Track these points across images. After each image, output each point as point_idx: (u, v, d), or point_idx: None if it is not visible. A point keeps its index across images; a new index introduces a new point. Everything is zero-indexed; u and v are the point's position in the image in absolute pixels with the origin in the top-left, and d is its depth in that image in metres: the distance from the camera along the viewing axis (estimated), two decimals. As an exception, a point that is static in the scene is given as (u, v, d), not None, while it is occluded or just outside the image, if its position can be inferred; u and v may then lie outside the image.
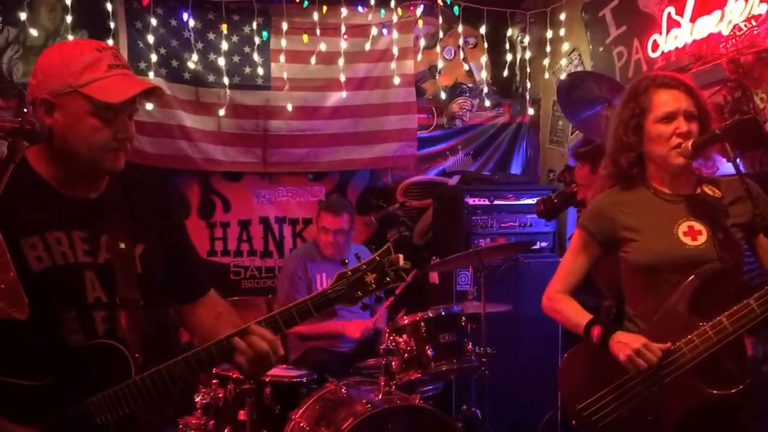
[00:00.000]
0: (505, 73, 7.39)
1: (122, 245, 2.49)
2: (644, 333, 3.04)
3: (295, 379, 4.99)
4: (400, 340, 4.85)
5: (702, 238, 3.03)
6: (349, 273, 2.53)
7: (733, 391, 2.91)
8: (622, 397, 3.06)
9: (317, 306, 2.49)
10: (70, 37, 6.32)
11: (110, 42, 6.33)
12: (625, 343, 2.99)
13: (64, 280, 2.40)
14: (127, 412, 2.37)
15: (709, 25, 5.02)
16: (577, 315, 3.26)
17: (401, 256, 2.55)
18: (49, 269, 2.37)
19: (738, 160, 3.01)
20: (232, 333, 2.44)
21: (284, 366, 5.34)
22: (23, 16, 6.23)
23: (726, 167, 3.12)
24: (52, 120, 2.38)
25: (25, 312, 2.11)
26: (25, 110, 5.82)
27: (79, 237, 2.44)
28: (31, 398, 2.32)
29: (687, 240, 3.04)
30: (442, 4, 7.03)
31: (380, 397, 4.51)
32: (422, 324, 4.90)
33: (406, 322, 4.93)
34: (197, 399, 4.84)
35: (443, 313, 5.02)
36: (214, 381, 4.85)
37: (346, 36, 6.95)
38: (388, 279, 2.54)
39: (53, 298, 2.38)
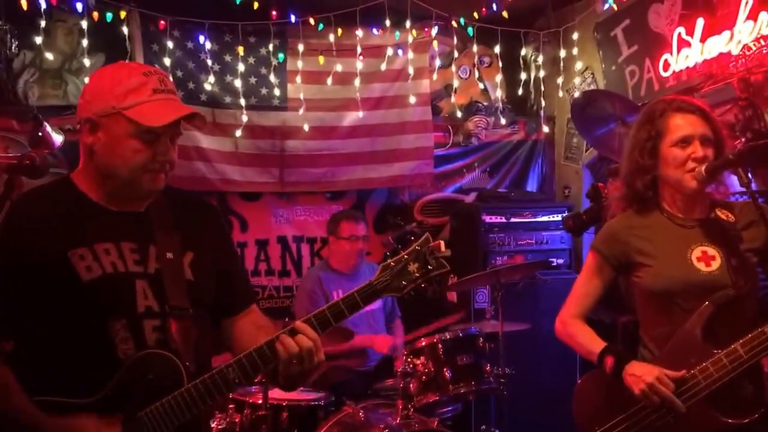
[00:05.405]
0: (520, 91, 7.43)
1: (170, 255, 2.51)
2: (658, 360, 3.04)
3: (312, 403, 4.94)
4: (418, 362, 4.85)
5: (715, 264, 3.02)
6: (392, 263, 2.46)
7: (748, 420, 2.89)
8: (636, 425, 3.03)
9: (365, 297, 2.46)
10: (86, 61, 6.37)
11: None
12: (639, 376, 2.96)
13: (115, 288, 2.41)
14: (182, 422, 2.36)
15: (719, 45, 5.06)
16: (591, 342, 3.25)
17: (442, 243, 2.49)
18: (98, 278, 2.38)
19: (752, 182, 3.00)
20: (281, 331, 2.42)
21: (301, 388, 5.32)
22: (39, 39, 6.25)
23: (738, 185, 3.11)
24: (95, 138, 2.43)
25: None
26: (40, 134, 5.83)
27: (128, 248, 2.47)
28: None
29: (700, 265, 3.03)
30: (456, 25, 7.06)
31: (398, 421, 4.50)
32: (440, 346, 4.90)
33: (423, 344, 4.92)
34: (213, 425, 4.73)
35: (461, 335, 5.02)
36: (230, 406, 4.79)
37: (361, 56, 6.99)
38: (430, 267, 2.46)
39: (103, 307, 2.39)
